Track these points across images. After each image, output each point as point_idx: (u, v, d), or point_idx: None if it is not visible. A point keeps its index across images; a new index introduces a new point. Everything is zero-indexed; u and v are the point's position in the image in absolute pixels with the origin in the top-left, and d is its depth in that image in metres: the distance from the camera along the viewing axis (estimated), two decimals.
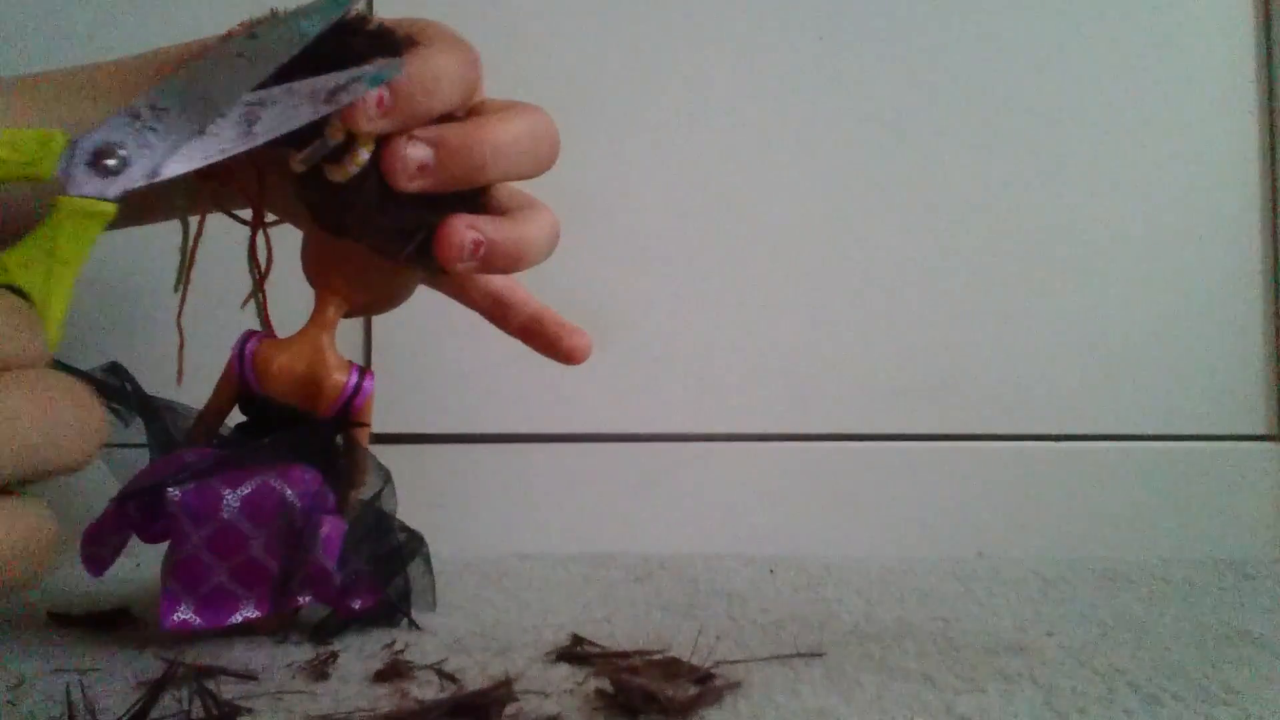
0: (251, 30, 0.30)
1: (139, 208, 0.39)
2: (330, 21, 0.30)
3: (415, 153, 0.32)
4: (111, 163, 0.28)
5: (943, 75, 0.59)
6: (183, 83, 0.29)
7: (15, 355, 0.23)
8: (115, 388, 0.38)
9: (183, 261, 0.40)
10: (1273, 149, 0.59)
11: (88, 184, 0.27)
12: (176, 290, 0.40)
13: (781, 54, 0.59)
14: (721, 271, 0.58)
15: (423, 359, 0.57)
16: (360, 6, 0.32)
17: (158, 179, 0.28)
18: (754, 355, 0.58)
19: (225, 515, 0.34)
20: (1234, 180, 0.59)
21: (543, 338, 0.42)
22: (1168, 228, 0.59)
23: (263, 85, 0.30)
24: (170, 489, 0.34)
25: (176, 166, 0.29)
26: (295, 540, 0.35)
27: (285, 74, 0.30)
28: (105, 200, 0.27)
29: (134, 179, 0.28)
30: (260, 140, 0.29)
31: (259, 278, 0.41)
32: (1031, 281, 0.59)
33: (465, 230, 0.33)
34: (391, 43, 0.32)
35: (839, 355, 0.58)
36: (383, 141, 0.32)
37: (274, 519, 0.35)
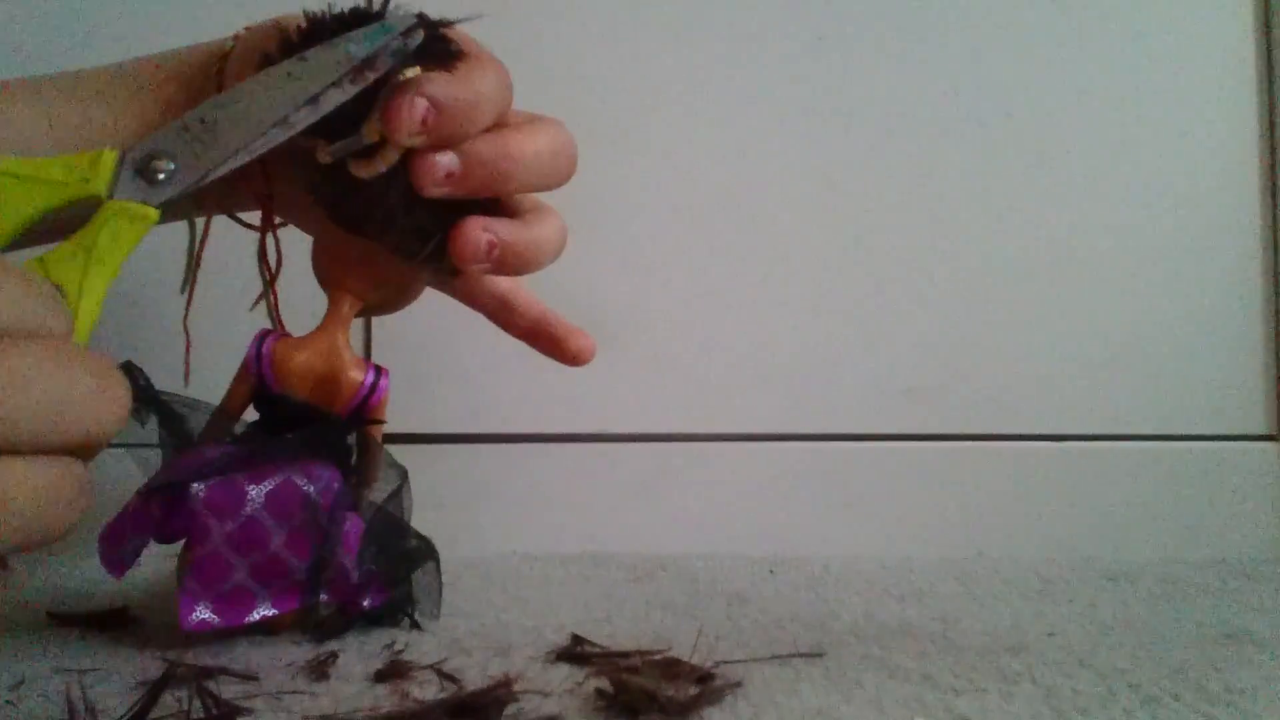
0: (302, 54, 0.31)
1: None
2: (377, 47, 0.31)
3: (443, 160, 0.32)
4: (160, 174, 0.29)
5: (942, 75, 0.59)
6: (234, 99, 0.30)
7: (37, 325, 0.23)
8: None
9: (189, 263, 0.40)
10: (1273, 149, 0.59)
11: (133, 189, 0.28)
12: (183, 292, 0.40)
13: (781, 54, 0.59)
14: (721, 272, 0.58)
15: (424, 359, 0.57)
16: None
17: (202, 184, 0.29)
18: (754, 355, 0.58)
19: (248, 511, 0.34)
20: (1234, 180, 0.59)
21: (547, 340, 0.42)
22: (1168, 228, 0.59)
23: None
24: (194, 484, 0.34)
25: (221, 170, 0.29)
26: (323, 537, 0.35)
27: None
28: (149, 205, 0.28)
29: (179, 186, 0.29)
30: (299, 127, 0.30)
31: (270, 279, 0.41)
32: (1031, 282, 0.59)
33: (480, 232, 0.33)
34: (441, 49, 0.33)
35: (839, 355, 0.58)
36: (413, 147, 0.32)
37: (296, 515, 0.35)
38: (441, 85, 0.31)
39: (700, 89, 0.59)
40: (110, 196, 0.28)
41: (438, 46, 0.32)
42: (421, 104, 0.31)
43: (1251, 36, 0.59)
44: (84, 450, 0.23)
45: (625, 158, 0.58)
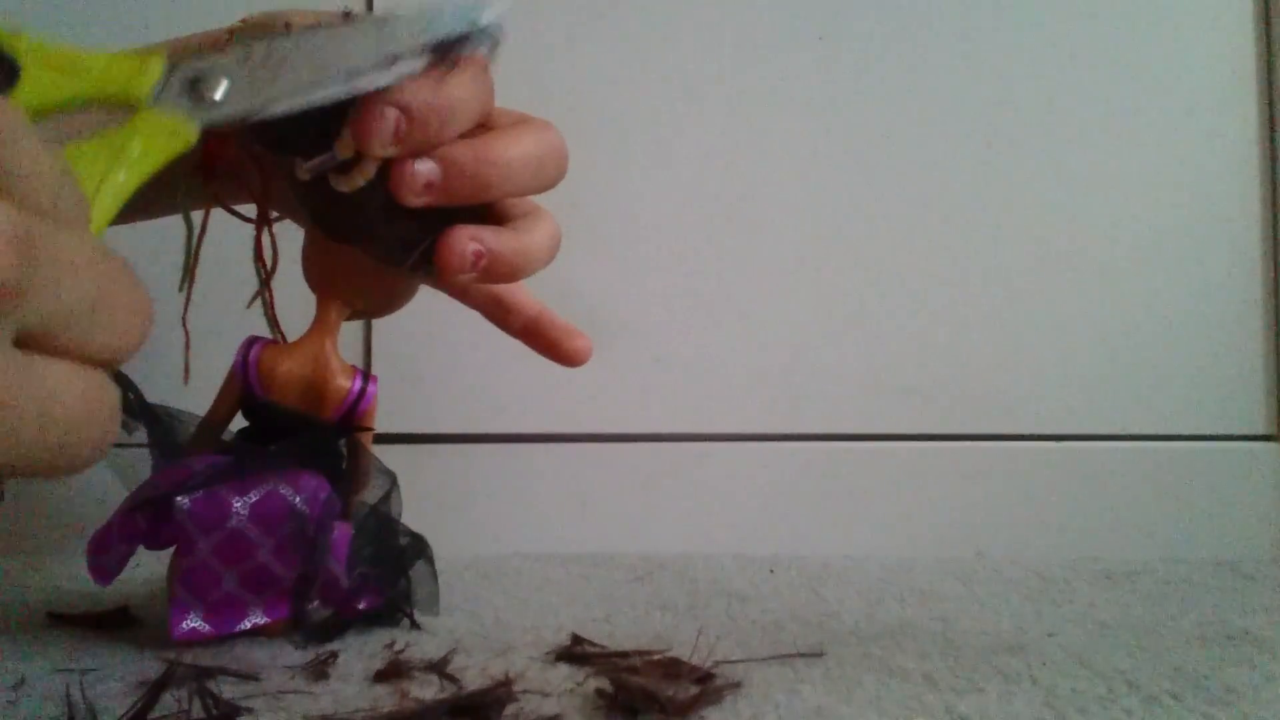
0: (385, 18, 0.29)
1: (139, 205, 0.39)
2: (459, 31, 0.30)
3: (423, 169, 0.32)
4: (212, 94, 0.26)
5: (943, 75, 0.59)
6: (307, 40, 0.28)
7: (67, 213, 0.20)
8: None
9: (187, 260, 0.40)
10: (1273, 149, 0.59)
11: (178, 105, 0.26)
12: (181, 289, 0.40)
13: (782, 54, 0.59)
14: (721, 272, 0.58)
15: (423, 359, 0.57)
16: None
17: (253, 119, 0.27)
18: (754, 355, 0.58)
19: (233, 523, 0.34)
20: (1234, 180, 0.59)
21: (543, 339, 0.42)
22: (1168, 228, 0.59)
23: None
24: (179, 498, 0.34)
25: (277, 109, 0.28)
26: (310, 548, 0.35)
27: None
28: (190, 123, 0.26)
29: (229, 113, 0.27)
30: (362, 90, 0.29)
31: (265, 277, 0.40)
32: (1031, 281, 0.59)
33: (467, 242, 0.33)
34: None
35: (839, 355, 0.58)
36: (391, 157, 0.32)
37: (282, 525, 0.35)
38: (412, 91, 0.30)
39: (701, 88, 0.59)
40: (155, 99, 0.26)
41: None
42: (392, 113, 0.30)
43: (1251, 36, 0.59)
44: (109, 365, 0.21)
45: (625, 157, 0.58)
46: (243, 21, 0.37)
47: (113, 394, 0.21)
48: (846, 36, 0.59)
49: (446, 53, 0.30)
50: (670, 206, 0.58)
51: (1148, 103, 0.59)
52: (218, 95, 0.26)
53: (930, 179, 0.59)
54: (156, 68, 0.26)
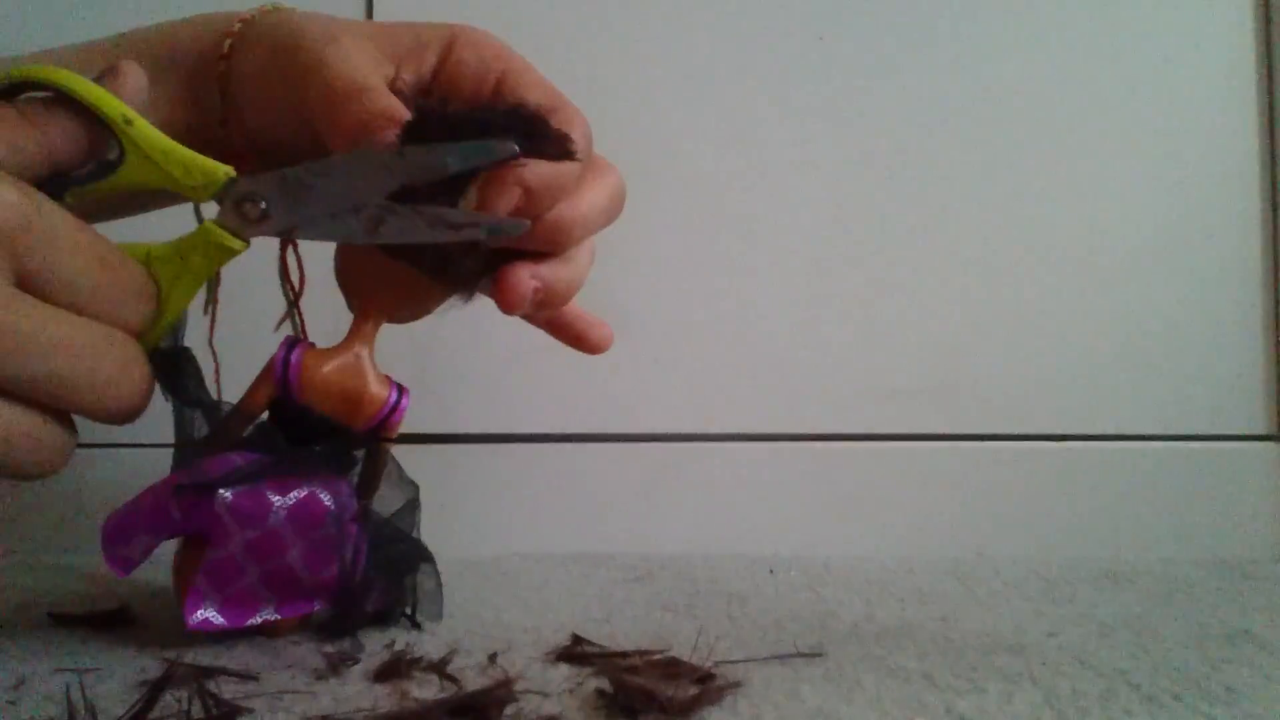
0: (400, 149, 0.32)
1: (137, 203, 0.39)
2: (472, 164, 0.32)
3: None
4: (251, 210, 0.32)
5: (943, 75, 0.59)
6: (333, 170, 0.32)
7: (123, 319, 0.30)
8: (179, 372, 0.37)
9: (210, 283, 0.39)
10: (1273, 149, 0.59)
11: (230, 219, 0.32)
12: (206, 312, 0.39)
13: (782, 54, 0.59)
14: (722, 272, 0.58)
15: (425, 359, 0.57)
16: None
17: (287, 237, 0.35)
18: (754, 355, 0.58)
19: (271, 521, 0.34)
20: (1234, 180, 0.59)
21: (570, 330, 0.43)
22: (1168, 227, 0.59)
23: (394, 196, 0.32)
24: (222, 490, 0.34)
25: (306, 235, 0.33)
26: (355, 553, 0.36)
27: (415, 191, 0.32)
28: (239, 239, 0.33)
29: (268, 230, 0.33)
30: (379, 240, 0.33)
31: (294, 297, 0.40)
32: (1031, 281, 0.59)
33: (529, 280, 0.34)
34: (549, 137, 0.33)
35: (839, 355, 0.58)
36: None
37: (314, 529, 0.35)
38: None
39: (700, 89, 0.59)
40: (214, 200, 0.32)
41: (551, 147, 0.33)
42: (517, 193, 0.32)
43: (1251, 36, 0.59)
44: (89, 415, 0.30)
45: (624, 157, 0.58)
46: (241, 21, 0.37)
47: (56, 440, 0.29)
48: (846, 36, 0.59)
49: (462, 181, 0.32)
50: (669, 207, 0.58)
51: (1147, 103, 0.59)
52: (257, 215, 0.33)
53: (929, 179, 0.59)
54: (222, 175, 0.32)
